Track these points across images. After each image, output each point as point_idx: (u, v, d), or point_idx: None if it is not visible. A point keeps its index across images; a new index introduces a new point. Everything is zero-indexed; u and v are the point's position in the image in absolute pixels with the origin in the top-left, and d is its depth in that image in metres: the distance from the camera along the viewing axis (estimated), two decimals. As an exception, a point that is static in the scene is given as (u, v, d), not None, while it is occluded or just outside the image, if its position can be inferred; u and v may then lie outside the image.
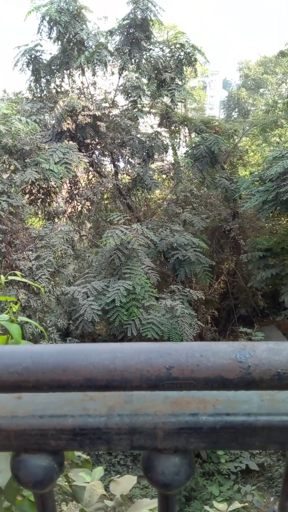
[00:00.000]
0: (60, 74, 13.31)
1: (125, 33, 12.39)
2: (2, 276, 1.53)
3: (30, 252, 9.61)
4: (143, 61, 12.59)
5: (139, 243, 9.82)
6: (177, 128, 14.80)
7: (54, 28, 12.51)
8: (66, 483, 1.49)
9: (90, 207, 12.69)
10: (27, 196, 11.61)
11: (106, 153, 13.11)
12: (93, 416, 0.54)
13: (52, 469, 0.56)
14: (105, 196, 13.51)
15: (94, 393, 0.56)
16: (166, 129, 14.56)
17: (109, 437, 0.55)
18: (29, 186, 11.34)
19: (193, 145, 13.70)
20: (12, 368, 0.51)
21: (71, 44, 12.77)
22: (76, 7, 12.43)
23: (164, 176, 14.17)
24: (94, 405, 0.55)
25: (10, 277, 1.56)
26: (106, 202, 13.81)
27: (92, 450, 0.56)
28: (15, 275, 1.57)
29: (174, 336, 8.98)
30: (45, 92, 13.44)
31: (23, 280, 1.60)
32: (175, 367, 0.53)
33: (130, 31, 12.38)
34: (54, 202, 12.24)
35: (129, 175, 13.43)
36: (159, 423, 0.55)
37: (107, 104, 13.05)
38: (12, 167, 10.82)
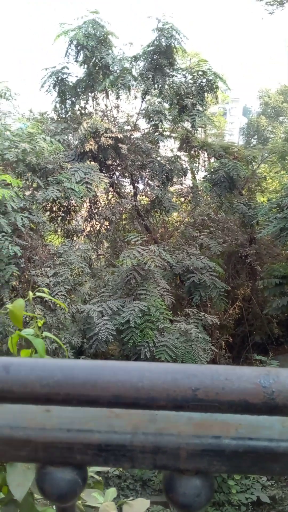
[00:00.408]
0: (85, 96, 13.66)
1: (149, 59, 12.71)
2: (30, 292, 1.55)
3: (48, 269, 9.72)
4: (166, 86, 12.86)
5: (156, 265, 9.85)
6: (196, 153, 14.98)
7: (81, 52, 12.90)
8: (79, 502, 1.49)
9: (108, 226, 12.82)
10: (48, 213, 11.80)
11: (126, 174, 13.31)
12: (118, 433, 0.55)
13: (76, 483, 0.57)
14: (124, 217, 13.65)
15: (119, 410, 0.56)
16: (185, 153, 14.73)
17: (133, 454, 0.55)
18: (50, 204, 11.54)
19: (212, 170, 13.82)
20: (44, 381, 0.52)
21: (97, 68, 13.13)
22: (103, 33, 12.82)
23: (182, 199, 14.29)
24: (119, 422, 0.56)
25: (38, 293, 1.59)
26: (124, 222, 13.94)
27: (116, 466, 0.57)
28: (42, 291, 1.60)
29: (187, 361, 8.85)
30: (69, 113, 13.78)
31: (48, 297, 1.63)
32: (201, 389, 0.53)
33: (154, 57, 12.70)
34: (73, 220, 12.41)
35: (148, 197, 13.57)
36: (182, 443, 0.56)
37: (129, 127, 13.29)
38: (34, 185, 11.05)
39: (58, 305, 9.46)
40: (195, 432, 0.58)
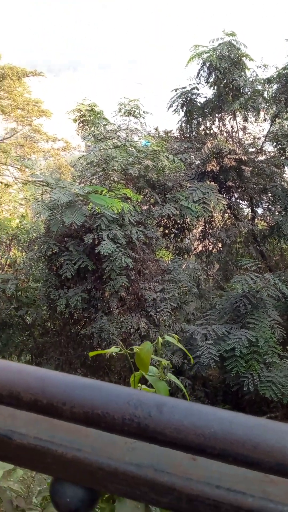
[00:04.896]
0: (211, 117, 13.65)
1: (284, 82, 12.28)
2: (159, 337, 1.51)
3: (157, 284, 9.71)
4: (299, 110, 12.30)
5: (269, 294, 9.28)
6: None
7: (213, 73, 12.95)
8: None
9: (221, 248, 12.51)
10: (161, 229, 11.89)
11: (245, 197, 12.93)
12: (275, 502, 0.49)
13: None
14: (238, 240, 13.25)
15: (275, 477, 0.49)
16: (312, 180, 13.91)
17: None
18: (165, 220, 11.63)
19: None
20: (199, 430, 0.48)
21: (227, 90, 13.07)
22: (237, 55, 12.75)
23: (304, 227, 13.45)
24: (275, 490, 0.50)
25: (167, 338, 1.55)
26: (238, 246, 13.54)
27: None
28: (171, 336, 1.55)
29: (294, 402, 8.17)
30: (194, 133, 13.87)
31: (178, 344, 1.56)
32: None
33: (289, 80, 12.23)
34: (186, 239, 12.35)
35: (266, 222, 13.02)
36: None
37: (254, 150, 12.94)
38: (152, 200, 11.23)
39: (162, 321, 9.38)
40: None
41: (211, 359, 8.53)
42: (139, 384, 1.41)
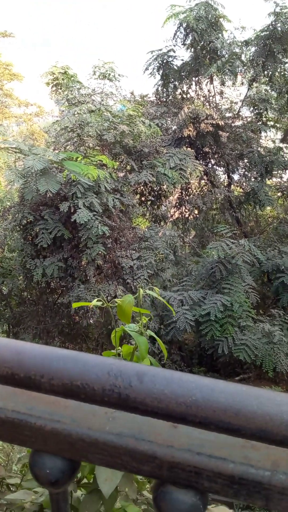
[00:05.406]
0: (188, 80, 13.39)
1: (262, 45, 12.02)
2: (141, 289, 1.52)
3: (133, 252, 9.74)
4: (276, 74, 12.13)
5: (244, 260, 9.42)
6: (301, 146, 14.04)
7: (190, 35, 12.62)
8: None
9: (197, 215, 12.54)
10: (138, 196, 11.82)
11: (222, 163, 12.86)
12: (255, 467, 0.49)
13: (197, 509, 0.52)
14: (214, 206, 13.27)
15: (255, 442, 0.49)
16: (288, 146, 13.88)
17: (269, 494, 0.49)
18: (141, 187, 11.54)
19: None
20: (181, 399, 0.48)
21: (204, 52, 12.77)
22: (215, 16, 12.40)
23: (279, 193, 13.54)
24: (256, 455, 0.50)
25: (148, 292, 1.55)
26: (214, 212, 13.58)
27: (247, 501, 0.52)
28: (152, 290, 1.57)
29: (267, 363, 8.46)
30: (170, 97, 13.60)
31: (159, 298, 1.57)
32: None
33: (267, 43, 11.99)
34: (162, 206, 12.32)
35: (242, 188, 13.03)
36: None
37: (231, 114, 12.79)
38: (128, 167, 11.09)
39: (138, 288, 9.46)
40: None
41: (187, 324, 8.70)
42: (119, 347, 1.45)
